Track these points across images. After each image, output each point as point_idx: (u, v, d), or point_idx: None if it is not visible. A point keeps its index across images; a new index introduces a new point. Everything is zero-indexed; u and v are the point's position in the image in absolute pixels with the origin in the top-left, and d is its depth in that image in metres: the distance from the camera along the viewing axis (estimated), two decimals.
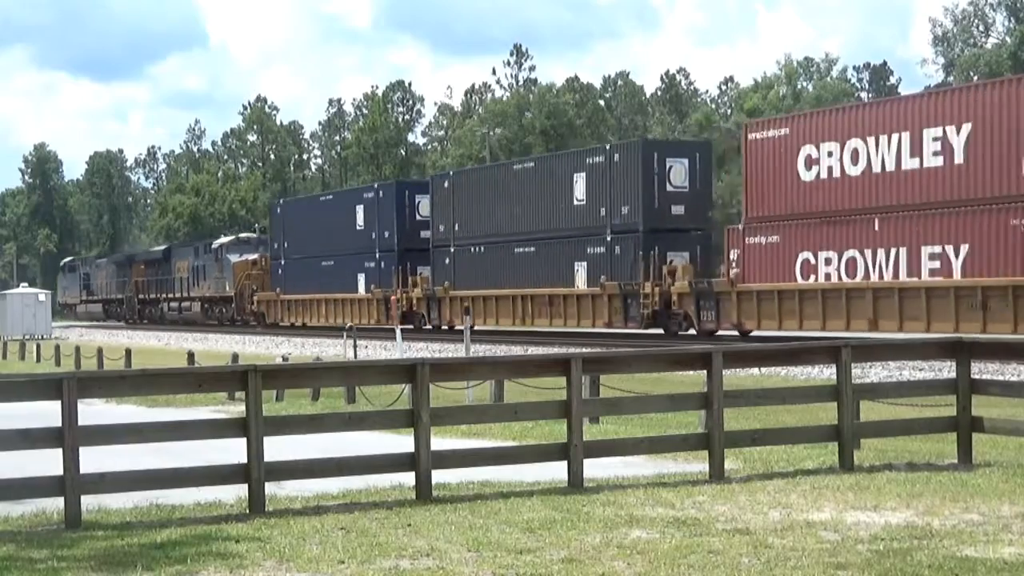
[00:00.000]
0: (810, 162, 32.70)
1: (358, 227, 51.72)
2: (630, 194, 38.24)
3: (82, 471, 9.83)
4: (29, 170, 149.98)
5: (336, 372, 13.48)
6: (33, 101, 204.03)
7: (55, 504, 9.97)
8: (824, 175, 32.27)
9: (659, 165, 38.18)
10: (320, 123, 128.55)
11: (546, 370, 12.42)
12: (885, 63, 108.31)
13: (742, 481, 11.24)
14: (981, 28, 76.10)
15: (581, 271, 39.82)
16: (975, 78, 69.37)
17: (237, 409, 17.10)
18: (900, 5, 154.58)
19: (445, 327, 46.07)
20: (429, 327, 46.93)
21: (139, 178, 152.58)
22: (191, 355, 29.90)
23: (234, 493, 10.49)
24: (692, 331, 36.30)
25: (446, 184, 47.76)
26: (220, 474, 10.55)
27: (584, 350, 28.03)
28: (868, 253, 31.20)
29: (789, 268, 33.23)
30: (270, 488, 10.40)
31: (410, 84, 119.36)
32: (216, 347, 45.99)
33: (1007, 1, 74.62)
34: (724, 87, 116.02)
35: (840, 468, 11.85)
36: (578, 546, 8.42)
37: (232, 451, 10.63)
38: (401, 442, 11.67)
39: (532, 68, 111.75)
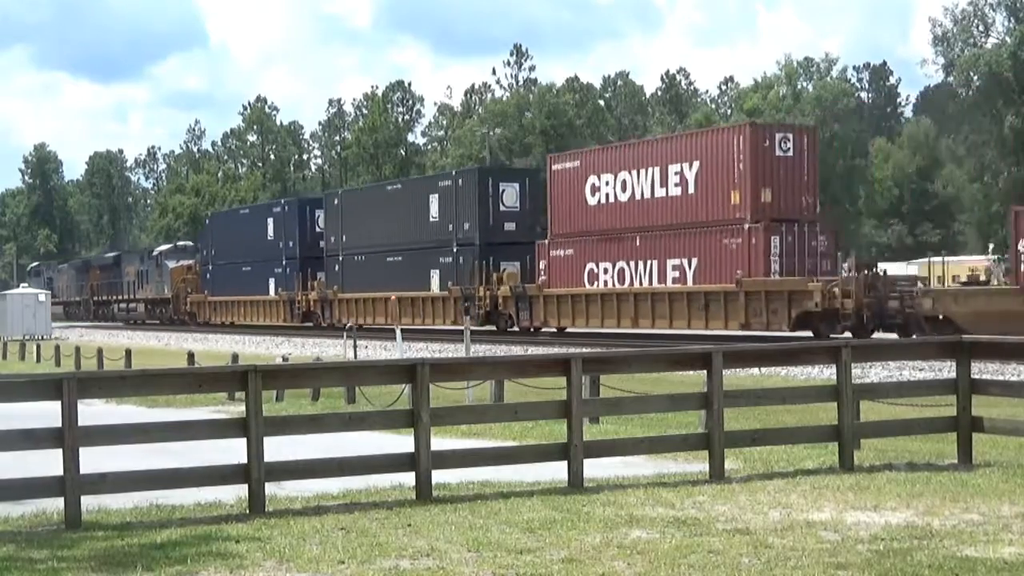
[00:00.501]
0: (594, 189, 40.23)
1: (269, 237, 59.02)
2: (470, 213, 45.13)
3: (82, 471, 9.83)
4: (29, 170, 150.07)
5: (336, 372, 13.47)
6: (33, 101, 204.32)
7: (55, 504, 9.97)
8: (604, 200, 39.89)
9: (493, 189, 45.28)
10: (320, 123, 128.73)
11: (546, 370, 12.41)
12: (885, 63, 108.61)
13: (742, 481, 11.24)
14: (981, 28, 76.00)
15: (435, 277, 46.83)
16: (975, 78, 69.37)
17: (237, 409, 17.10)
18: (900, 5, 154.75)
19: (337, 325, 51.40)
20: (324, 325, 53.91)
21: (139, 178, 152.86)
22: (191, 355, 29.91)
23: (234, 493, 10.49)
24: (515, 328, 43.19)
25: (336, 201, 54.59)
26: (220, 474, 10.55)
27: (584, 350, 28.04)
28: (632, 264, 38.74)
29: (580, 276, 40.75)
30: (270, 488, 10.40)
31: (410, 84, 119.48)
32: (216, 347, 45.98)
33: (1007, 1, 74.53)
34: (724, 87, 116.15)
35: (840, 468, 11.85)
36: (578, 546, 8.43)
37: (232, 451, 10.62)
38: (401, 442, 11.67)
39: (532, 68, 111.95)
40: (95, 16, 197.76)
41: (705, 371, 11.82)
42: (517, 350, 36.51)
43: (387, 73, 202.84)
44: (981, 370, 21.96)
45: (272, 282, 58.29)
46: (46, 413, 10.25)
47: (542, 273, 41.97)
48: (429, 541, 8.69)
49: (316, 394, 21.68)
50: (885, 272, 35.21)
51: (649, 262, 37.92)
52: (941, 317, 30.57)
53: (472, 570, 7.78)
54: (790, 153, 35.19)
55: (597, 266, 39.94)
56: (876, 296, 32.56)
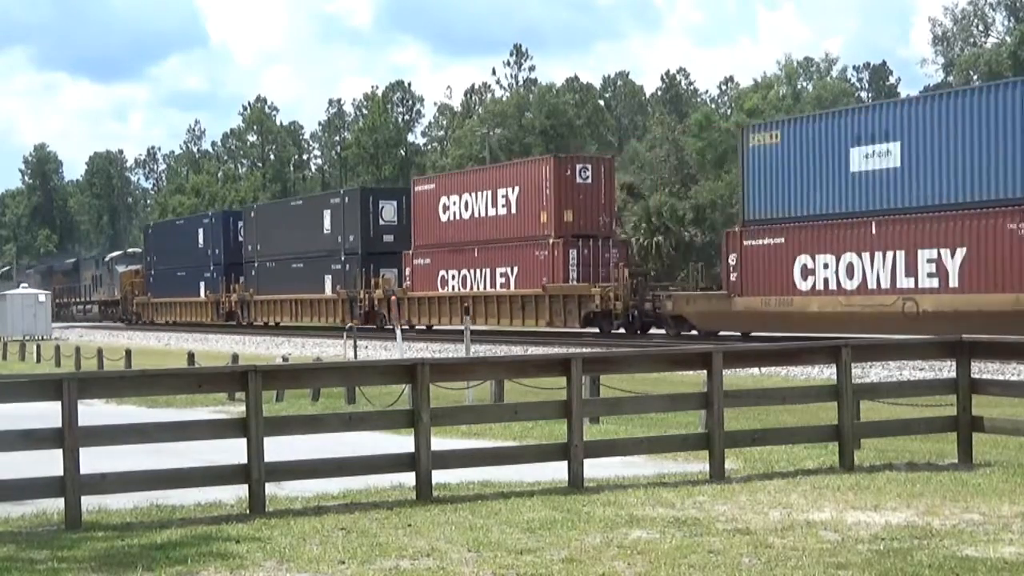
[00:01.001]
0: (445, 208, 48.32)
1: (200, 246, 67.53)
2: (355, 226, 53.30)
3: (82, 472, 9.82)
4: (29, 171, 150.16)
5: (336, 372, 13.48)
6: (33, 101, 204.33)
7: (55, 505, 9.96)
8: (452, 217, 47.92)
9: (374, 206, 53.59)
10: (320, 123, 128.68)
11: (546, 370, 12.41)
12: (885, 63, 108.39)
13: (742, 481, 11.23)
14: (981, 28, 76.06)
15: (328, 282, 54.97)
16: (975, 78, 69.37)
17: (237, 409, 17.10)
18: (900, 5, 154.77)
19: (255, 323, 62.44)
20: (244, 324, 62.60)
21: (139, 178, 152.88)
22: (191, 356, 29.91)
23: (234, 493, 10.49)
24: (388, 326, 48.74)
25: (252, 214, 64.64)
26: (220, 474, 10.55)
27: (584, 350, 28.05)
28: (474, 271, 46.51)
29: (435, 282, 48.78)
30: (270, 488, 10.40)
31: (410, 84, 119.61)
32: (216, 347, 46.00)
33: (1007, 1, 74.57)
34: (724, 87, 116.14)
35: (840, 468, 11.85)
36: (578, 546, 8.42)
37: (232, 451, 10.62)
38: (401, 442, 11.67)
39: (532, 68, 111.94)
40: (95, 16, 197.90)
41: (705, 371, 11.81)
42: (517, 350, 36.54)
43: (387, 73, 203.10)
44: (981, 370, 21.96)
45: (202, 285, 66.79)
46: (46, 413, 10.24)
47: (407, 279, 50.31)
48: (429, 541, 8.69)
49: (316, 394, 21.68)
50: (646, 279, 45.47)
51: (484, 270, 45.93)
52: (678, 315, 38.12)
53: (472, 570, 7.78)
54: (589, 180, 43.09)
55: (447, 273, 48.00)
56: (639, 299, 40.53)
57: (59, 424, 9.78)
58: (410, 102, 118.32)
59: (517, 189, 44.18)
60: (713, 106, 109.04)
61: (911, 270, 30.38)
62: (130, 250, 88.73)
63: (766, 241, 34.50)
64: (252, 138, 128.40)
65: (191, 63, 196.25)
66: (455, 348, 38.02)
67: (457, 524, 9.29)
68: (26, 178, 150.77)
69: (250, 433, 10.23)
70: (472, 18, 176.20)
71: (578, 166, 43.17)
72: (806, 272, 33.25)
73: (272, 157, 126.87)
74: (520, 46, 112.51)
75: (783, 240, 33.92)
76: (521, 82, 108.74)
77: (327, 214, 55.34)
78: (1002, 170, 28.76)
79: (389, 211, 53.29)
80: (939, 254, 29.70)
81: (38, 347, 42.84)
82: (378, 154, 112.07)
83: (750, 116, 76.84)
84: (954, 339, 12.96)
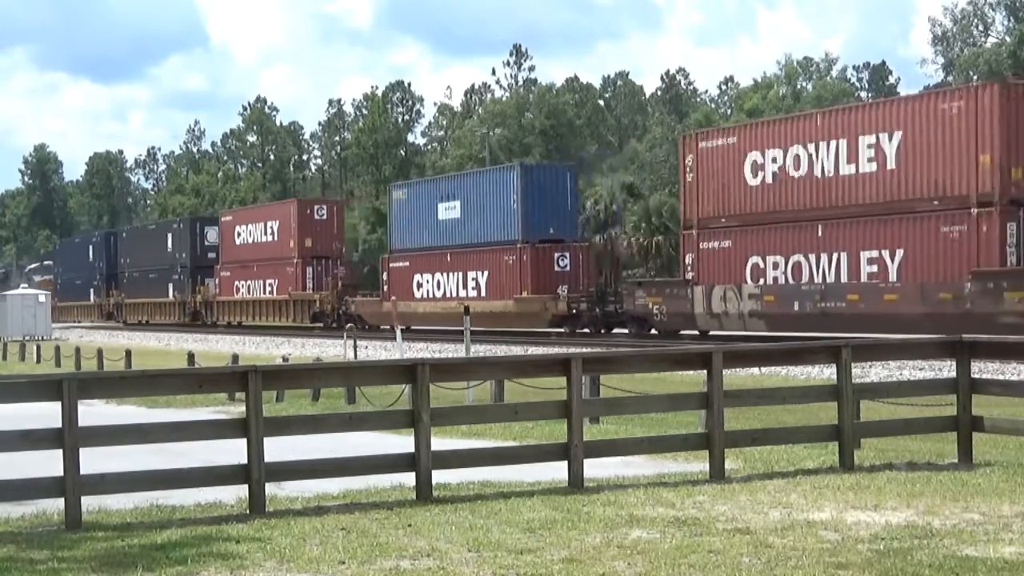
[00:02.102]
0: (238, 235, 65.42)
1: (89, 260, 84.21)
2: (186, 247, 70.66)
3: (82, 472, 9.82)
4: (29, 171, 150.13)
5: (336, 373, 13.48)
6: (33, 102, 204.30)
7: (55, 505, 9.96)
8: (244, 242, 65.02)
9: (201, 231, 71.16)
10: (320, 123, 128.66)
11: (546, 370, 12.41)
12: (884, 63, 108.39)
13: (742, 481, 11.23)
14: (980, 28, 76.08)
15: (171, 288, 72.18)
16: (975, 77, 69.35)
17: (237, 410, 17.10)
18: (900, 5, 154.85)
19: (130, 321, 78.37)
20: (120, 321, 78.40)
21: (139, 179, 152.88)
22: (191, 356, 29.91)
23: (234, 494, 10.49)
24: (209, 322, 67.21)
25: (124, 235, 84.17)
26: (221, 475, 10.55)
27: (584, 350, 28.06)
28: (254, 282, 63.14)
29: (232, 289, 65.74)
30: (270, 489, 10.40)
31: (410, 84, 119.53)
32: (216, 348, 46.01)
33: (1007, 1, 74.60)
34: (724, 87, 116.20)
35: (840, 468, 11.85)
36: (579, 546, 8.42)
37: (232, 452, 10.62)
38: (401, 442, 11.67)
39: (532, 68, 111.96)
40: (95, 16, 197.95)
41: (705, 371, 11.81)
42: (517, 350, 36.54)
43: (387, 73, 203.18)
44: (981, 369, 21.97)
45: (92, 291, 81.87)
46: (46, 414, 10.24)
47: (217, 287, 67.00)
48: (429, 541, 8.69)
49: (316, 394, 21.68)
50: (355, 288, 57.98)
51: (259, 281, 62.66)
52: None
53: (472, 570, 7.78)
54: (324, 217, 60.58)
55: (240, 283, 64.63)
56: (344, 303, 53.08)
57: (59, 424, 9.78)
58: (410, 102, 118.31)
59: (277, 223, 61.46)
60: (713, 106, 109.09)
61: (464, 285, 48.32)
62: (46, 262, 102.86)
63: (402, 264, 52.48)
64: (252, 138, 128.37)
65: (191, 63, 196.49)
66: (455, 348, 38.02)
67: (457, 524, 9.29)
68: (26, 178, 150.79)
69: (250, 433, 10.23)
70: (472, 18, 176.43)
71: (315, 207, 62.17)
72: (419, 285, 51.03)
73: (272, 157, 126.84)
74: (520, 46, 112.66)
75: (408, 264, 51.85)
76: (521, 82, 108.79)
77: (169, 236, 73.30)
78: (505, 221, 46.37)
79: (212, 235, 69.72)
80: (476, 275, 47.72)
81: (38, 347, 42.82)
82: (378, 154, 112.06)
83: (750, 116, 76.82)
84: (954, 339, 12.96)
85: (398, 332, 29.85)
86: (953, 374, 12.75)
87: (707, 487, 10.89)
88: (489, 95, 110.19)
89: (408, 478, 10.75)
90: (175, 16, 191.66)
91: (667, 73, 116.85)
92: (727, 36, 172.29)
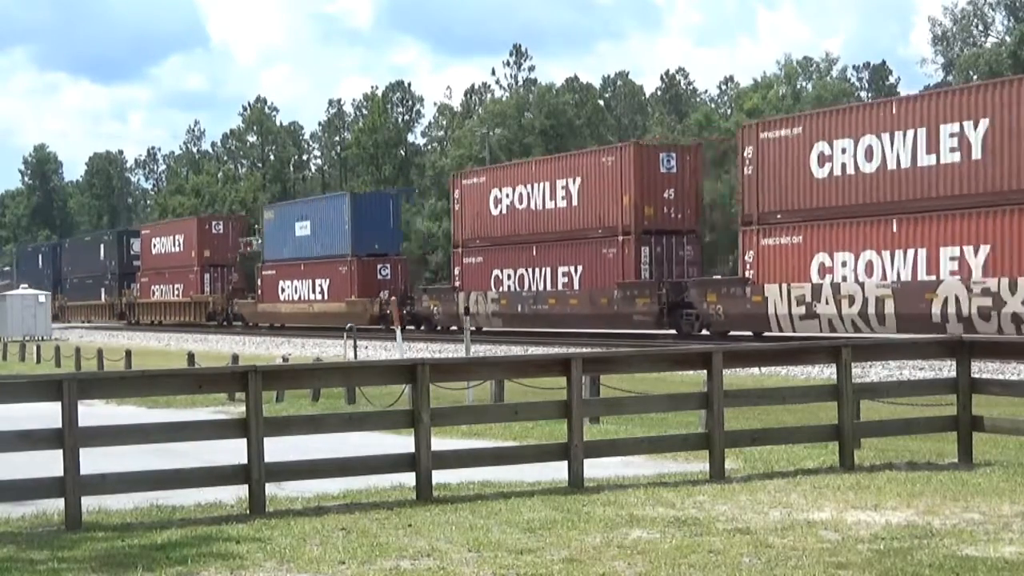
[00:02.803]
0: (154, 246, 76.16)
1: (39, 267, 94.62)
2: (115, 256, 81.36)
3: (82, 472, 9.82)
4: (29, 171, 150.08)
5: (336, 373, 13.47)
6: (33, 102, 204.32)
7: (55, 505, 9.97)
8: (159, 253, 75.27)
9: (128, 242, 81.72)
10: (320, 124, 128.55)
11: (546, 370, 12.41)
12: (884, 62, 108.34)
13: (742, 481, 11.24)
14: (980, 27, 76.06)
15: (103, 293, 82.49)
16: (975, 78, 69.35)
17: (237, 410, 17.10)
18: (900, 5, 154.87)
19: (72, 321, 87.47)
20: (64, 322, 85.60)
21: (139, 179, 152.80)
22: (191, 356, 29.92)
23: (235, 494, 10.49)
24: (134, 319, 77.43)
25: (67, 245, 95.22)
26: (221, 475, 10.55)
27: (584, 350, 28.07)
28: (167, 287, 73.09)
29: (150, 291, 76.22)
30: (270, 489, 10.40)
31: (410, 85, 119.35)
32: (216, 348, 46.02)
33: (1006, 0, 74.58)
34: (724, 87, 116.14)
35: (840, 467, 11.85)
36: (579, 546, 8.42)
37: (233, 452, 10.62)
38: (402, 442, 11.68)
39: (532, 68, 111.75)
40: (96, 17, 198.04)
41: (705, 371, 11.81)
42: (517, 350, 36.54)
43: (387, 73, 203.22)
44: (981, 369, 21.97)
45: (103, 291, 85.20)
46: (46, 414, 10.25)
47: (138, 291, 77.12)
48: (430, 541, 8.69)
49: (316, 395, 21.68)
50: (244, 291, 66.42)
51: (170, 286, 72.65)
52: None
53: (473, 570, 7.78)
54: (224, 233, 70.48)
55: (155, 287, 74.81)
56: (231, 303, 62.97)
57: (59, 425, 9.78)
58: (410, 102, 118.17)
59: (182, 236, 71.88)
60: (713, 106, 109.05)
61: (313, 290, 58.28)
62: (5, 268, 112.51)
63: (271, 272, 61.86)
64: (252, 138, 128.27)
65: (191, 63, 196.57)
66: (455, 348, 38.03)
67: (457, 524, 9.29)
68: (26, 178, 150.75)
69: (250, 433, 10.24)
70: (472, 18, 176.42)
71: (213, 222, 72.08)
72: (282, 290, 60.58)
73: (272, 158, 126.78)
74: (520, 46, 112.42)
75: (275, 272, 61.51)
76: (521, 82, 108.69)
77: (102, 247, 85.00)
78: (339, 238, 56.43)
79: (136, 246, 79.64)
80: (321, 282, 57.46)
81: (38, 348, 42.83)
82: (378, 154, 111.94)
83: (750, 116, 76.82)
84: (954, 339, 12.98)
85: (398, 332, 29.87)
86: (953, 374, 12.75)
87: (707, 487, 10.89)
88: (489, 95, 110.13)
89: (408, 478, 10.75)
90: (175, 16, 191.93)
91: (667, 73, 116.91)
92: (727, 36, 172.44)
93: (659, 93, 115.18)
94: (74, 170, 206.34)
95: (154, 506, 10.27)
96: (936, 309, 30.03)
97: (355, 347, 32.16)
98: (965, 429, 12.38)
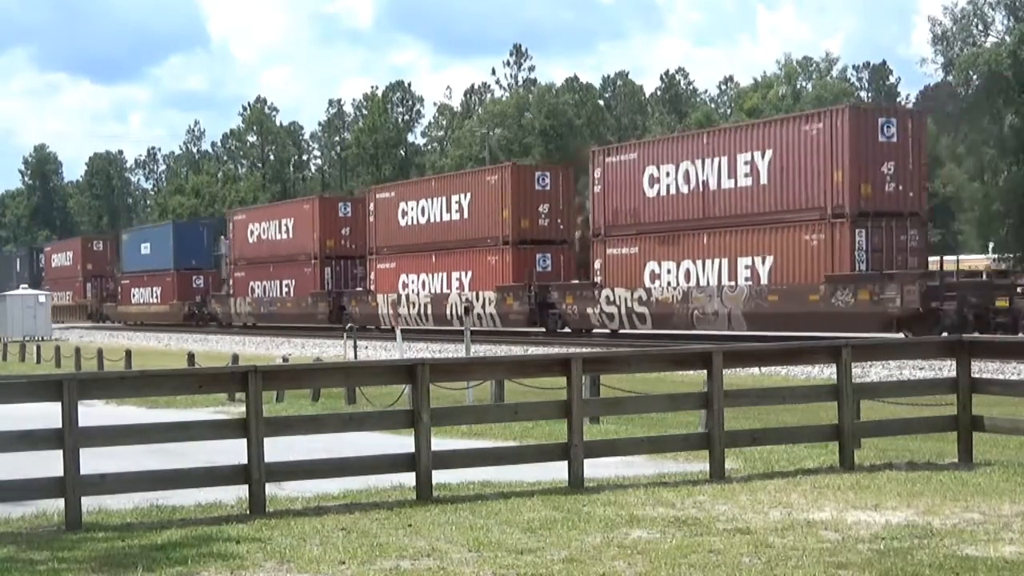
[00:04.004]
0: (54, 261, 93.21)
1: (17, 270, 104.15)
2: (27, 269, 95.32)
3: (82, 472, 9.83)
4: (29, 171, 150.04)
5: (336, 373, 13.47)
6: (33, 102, 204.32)
7: (55, 505, 9.98)
8: (59, 266, 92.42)
9: (37, 257, 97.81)
10: (320, 124, 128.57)
11: (546, 370, 12.41)
12: (884, 62, 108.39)
13: (742, 481, 11.24)
14: (980, 27, 75.94)
15: (60, 296, 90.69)
16: (975, 77, 69.33)
17: (237, 410, 17.10)
18: (900, 4, 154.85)
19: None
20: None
21: (139, 179, 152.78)
22: (191, 356, 29.92)
23: (235, 494, 10.49)
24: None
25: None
26: (221, 475, 10.55)
27: (584, 350, 28.07)
28: (70, 293, 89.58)
29: (124, 297, 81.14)
30: (270, 489, 10.40)
31: (410, 84, 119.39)
32: (216, 348, 46.03)
33: (1007, 0, 74.49)
34: (724, 87, 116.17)
35: (840, 467, 11.86)
36: (579, 546, 8.43)
37: (233, 452, 10.63)
38: (401, 442, 11.67)
39: (532, 68, 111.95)
40: (96, 17, 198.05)
41: (705, 371, 11.82)
42: (517, 350, 36.56)
43: (387, 73, 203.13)
44: (981, 369, 21.96)
45: None
46: (46, 414, 10.25)
47: (119, 294, 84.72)
48: (430, 541, 8.70)
49: (316, 395, 21.68)
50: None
51: (67, 292, 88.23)
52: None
53: (473, 570, 7.79)
54: (100, 249, 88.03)
55: (57, 294, 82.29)
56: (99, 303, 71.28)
57: (59, 425, 9.79)
58: (410, 102, 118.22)
59: (71, 252, 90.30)
60: (713, 106, 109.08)
61: (150, 296, 75.25)
62: None
63: (126, 282, 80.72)
64: (252, 138, 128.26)
65: (191, 63, 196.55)
66: (455, 348, 38.04)
67: (457, 524, 9.30)
68: (26, 178, 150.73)
69: (250, 434, 10.24)
70: (472, 18, 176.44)
71: (95, 242, 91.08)
72: (132, 295, 77.80)
73: (272, 158, 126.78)
74: (520, 46, 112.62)
75: (128, 281, 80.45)
76: (521, 82, 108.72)
77: (17, 261, 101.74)
78: (167, 256, 73.36)
79: (43, 261, 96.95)
80: (154, 289, 74.63)
81: (38, 348, 42.84)
82: (378, 154, 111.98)
83: (750, 116, 76.82)
84: (954, 339, 12.98)
85: (398, 332, 29.87)
86: (953, 374, 12.75)
87: (707, 487, 10.90)
88: (489, 95, 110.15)
89: (408, 478, 10.76)
90: (175, 16, 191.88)
91: (667, 73, 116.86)
92: (726, 36, 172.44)
93: (659, 93, 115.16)
94: (74, 170, 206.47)
95: (154, 506, 10.28)
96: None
97: (355, 347, 32.17)
98: (965, 429, 12.39)
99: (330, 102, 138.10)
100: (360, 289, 55.14)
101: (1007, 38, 71.93)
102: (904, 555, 7.94)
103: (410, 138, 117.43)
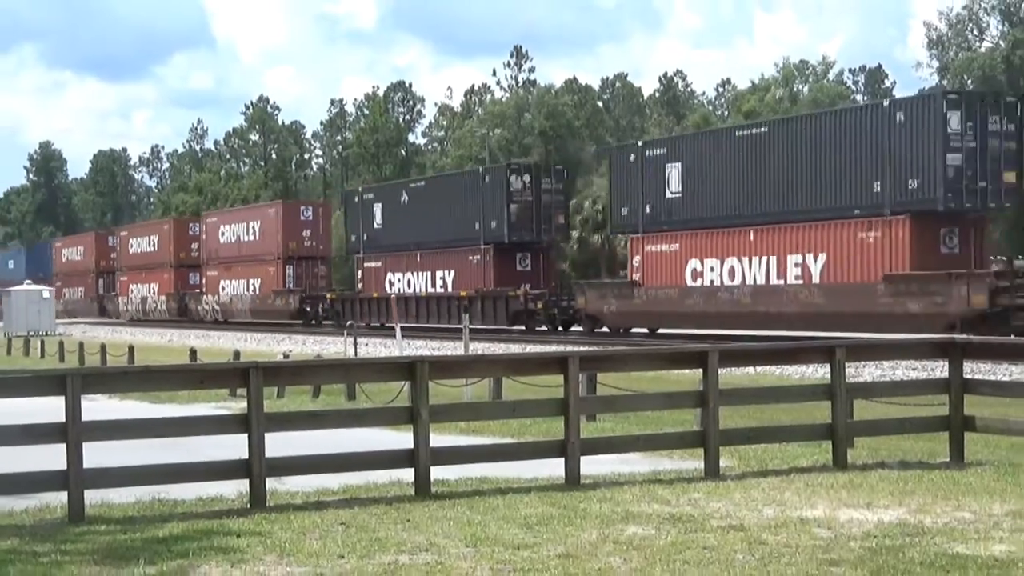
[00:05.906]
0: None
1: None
2: None
3: (85, 466, 9.92)
4: (34, 168, 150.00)
5: (337, 369, 13.58)
6: (39, 99, 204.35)
7: (58, 499, 10.06)
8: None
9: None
10: (322, 123, 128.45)
11: (544, 368, 12.51)
12: (880, 66, 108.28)
13: (737, 478, 11.33)
14: (975, 32, 76.00)
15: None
16: (969, 82, 69.36)
17: (239, 405, 17.17)
18: (896, 9, 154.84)
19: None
20: None
21: (143, 176, 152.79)
22: (193, 352, 29.98)
23: (235, 488, 10.56)
24: None
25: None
26: (222, 469, 10.65)
27: (581, 348, 28.12)
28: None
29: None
30: (271, 483, 10.48)
31: (411, 85, 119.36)
32: (218, 344, 46.07)
33: (1001, 6, 74.53)
34: (721, 89, 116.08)
35: (834, 466, 11.93)
36: (575, 542, 8.50)
37: (234, 447, 10.71)
38: (400, 439, 11.74)
39: (532, 70, 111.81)
40: (102, 15, 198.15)
41: (701, 370, 11.91)
42: (515, 348, 36.62)
43: (388, 74, 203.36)
44: (973, 370, 22.03)
45: None
46: (50, 409, 10.34)
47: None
48: (428, 536, 8.78)
49: (317, 391, 21.75)
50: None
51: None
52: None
53: (470, 565, 7.86)
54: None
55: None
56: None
57: (63, 419, 9.88)
58: (411, 102, 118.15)
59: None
60: (710, 108, 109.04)
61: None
62: None
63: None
64: (254, 137, 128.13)
65: (196, 62, 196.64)
66: (454, 346, 38.10)
67: (455, 520, 9.38)
68: (31, 175, 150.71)
69: (251, 429, 10.33)
70: (474, 20, 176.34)
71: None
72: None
73: (274, 156, 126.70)
74: (520, 47, 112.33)
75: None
76: (521, 83, 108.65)
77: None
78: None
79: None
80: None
81: (42, 343, 42.94)
82: (379, 154, 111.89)
83: (747, 118, 76.85)
84: (947, 339, 13.07)
85: (398, 330, 29.96)
86: (945, 374, 12.85)
87: (702, 484, 10.97)
88: (489, 96, 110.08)
89: (407, 474, 10.84)
90: (181, 16, 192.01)
91: (665, 75, 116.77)
92: (724, 39, 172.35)
93: (657, 95, 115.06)
94: (79, 167, 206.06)
95: (156, 500, 10.36)
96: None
97: (355, 344, 32.23)
98: (957, 429, 12.48)
99: (332, 102, 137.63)
100: (199, 291, 73.14)
101: (1002, 43, 71.97)
102: (896, 553, 8.02)
103: (411, 138, 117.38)
